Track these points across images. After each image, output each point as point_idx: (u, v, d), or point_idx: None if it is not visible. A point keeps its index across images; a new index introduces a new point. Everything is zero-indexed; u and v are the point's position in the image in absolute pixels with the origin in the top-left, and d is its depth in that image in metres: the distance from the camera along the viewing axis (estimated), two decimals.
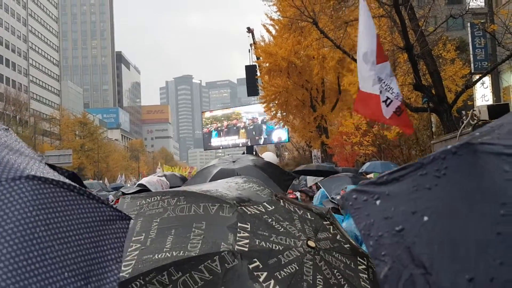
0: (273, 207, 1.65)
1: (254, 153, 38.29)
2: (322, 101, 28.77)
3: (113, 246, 1.07)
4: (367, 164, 14.02)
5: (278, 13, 25.80)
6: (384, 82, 6.60)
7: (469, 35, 19.62)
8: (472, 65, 19.34)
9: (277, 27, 28.04)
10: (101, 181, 40.03)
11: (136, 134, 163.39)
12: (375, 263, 1.09)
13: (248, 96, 39.19)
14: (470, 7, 15.40)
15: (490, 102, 20.89)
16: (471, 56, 19.47)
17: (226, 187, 1.79)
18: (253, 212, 1.59)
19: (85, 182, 22.19)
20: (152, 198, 1.68)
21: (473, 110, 12.68)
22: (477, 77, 18.02)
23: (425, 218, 0.95)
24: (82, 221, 1.04)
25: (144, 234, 1.51)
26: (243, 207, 1.60)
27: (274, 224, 1.57)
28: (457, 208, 0.92)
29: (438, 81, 15.00)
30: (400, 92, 6.94)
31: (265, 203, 1.66)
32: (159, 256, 1.42)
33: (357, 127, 22.41)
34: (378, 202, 1.04)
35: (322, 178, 12.83)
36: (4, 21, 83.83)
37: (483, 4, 27.78)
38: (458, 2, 21.12)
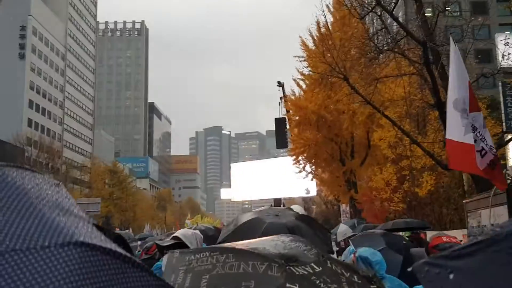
0: (321, 268, 1.64)
1: (282, 205, 38.01)
2: (351, 155, 28.61)
3: None
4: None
5: (309, 68, 26.20)
6: (479, 132, 6.30)
7: (501, 93, 19.55)
8: (504, 124, 19.15)
9: (307, 82, 28.35)
10: (127, 231, 40.11)
11: (164, 184, 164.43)
12: None
13: (277, 148, 39.24)
14: (501, 66, 15.41)
15: None
16: (503, 114, 19.32)
17: (273, 245, 1.78)
18: (301, 273, 1.58)
19: None
20: (201, 254, 1.69)
21: (506, 170, 12.50)
22: (510, 136, 17.79)
23: None
24: None
25: None
26: (291, 267, 1.59)
27: (322, 286, 1.56)
28: None
29: None
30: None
31: (312, 264, 1.65)
32: None
33: (387, 183, 22.14)
34: (451, 276, 1.04)
35: (353, 234, 12.61)
36: (43, 71, 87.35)
37: None
38: (489, 61, 21.16)
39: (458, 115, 6.42)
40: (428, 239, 12.70)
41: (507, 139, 17.72)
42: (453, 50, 7.12)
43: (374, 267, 4.04)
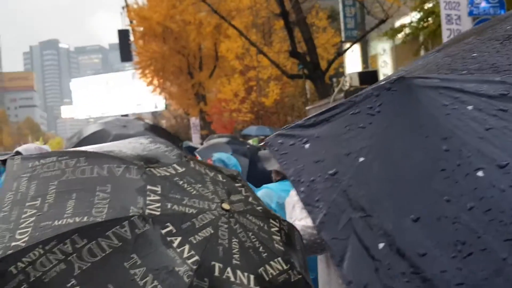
0: (184, 169, 1.54)
1: None
2: (199, 67, 28.52)
3: None
4: (246, 129, 14.65)
5: None
6: None
7: (340, 4, 20.36)
8: (342, 33, 20.11)
9: None
10: None
11: None
12: (308, 209, 1.00)
13: (121, 62, 37.74)
14: None
15: (360, 69, 22.03)
16: (342, 24, 20.22)
17: (131, 148, 1.63)
18: (163, 174, 1.48)
19: None
20: (47, 159, 1.47)
21: (345, 77, 13.31)
22: (348, 45, 18.87)
23: (361, 159, 0.88)
24: None
25: (40, 198, 1.33)
26: (151, 169, 1.48)
27: (186, 186, 1.47)
28: (395, 145, 0.86)
29: (312, 48, 15.47)
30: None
31: (175, 165, 1.54)
32: (60, 222, 1.26)
33: (235, 94, 22.53)
34: (307, 145, 0.98)
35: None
36: None
37: None
38: None
39: None
40: None
41: (345, 48, 18.79)
42: None
43: (231, 169, 4.17)
